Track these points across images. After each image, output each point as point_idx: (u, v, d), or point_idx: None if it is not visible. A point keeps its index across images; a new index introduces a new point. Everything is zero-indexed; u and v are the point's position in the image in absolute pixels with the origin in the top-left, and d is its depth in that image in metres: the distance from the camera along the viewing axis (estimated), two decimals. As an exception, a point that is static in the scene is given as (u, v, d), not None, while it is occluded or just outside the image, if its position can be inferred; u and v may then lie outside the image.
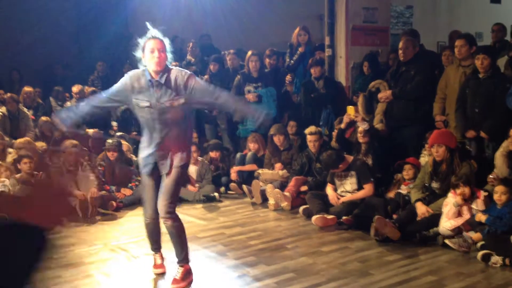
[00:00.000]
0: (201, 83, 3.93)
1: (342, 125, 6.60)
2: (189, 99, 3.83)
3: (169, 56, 3.88)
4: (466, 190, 4.82)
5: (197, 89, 3.82)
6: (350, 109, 6.56)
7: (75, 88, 9.31)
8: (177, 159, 3.92)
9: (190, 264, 4.16)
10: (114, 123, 9.02)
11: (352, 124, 6.56)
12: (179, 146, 3.92)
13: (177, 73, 3.85)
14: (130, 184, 6.94)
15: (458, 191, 4.87)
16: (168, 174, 3.93)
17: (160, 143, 3.89)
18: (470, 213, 4.82)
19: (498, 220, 4.53)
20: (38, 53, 10.83)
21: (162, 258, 4.42)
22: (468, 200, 4.87)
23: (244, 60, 7.88)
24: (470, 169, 5.16)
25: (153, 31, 3.87)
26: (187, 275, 4.08)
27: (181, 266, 4.09)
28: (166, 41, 3.87)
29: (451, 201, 4.92)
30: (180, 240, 4.06)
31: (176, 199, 4.03)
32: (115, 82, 10.30)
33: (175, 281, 4.04)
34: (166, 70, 3.82)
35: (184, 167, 4.01)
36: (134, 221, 6.15)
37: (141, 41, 3.85)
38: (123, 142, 7.52)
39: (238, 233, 5.47)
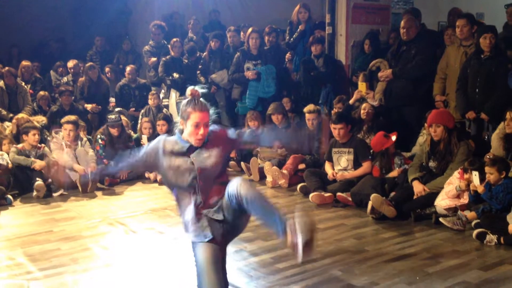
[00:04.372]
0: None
1: (351, 101, 6.62)
2: (234, 145, 3.50)
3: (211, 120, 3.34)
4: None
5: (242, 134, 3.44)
6: (362, 86, 6.58)
7: (70, 63, 9.31)
8: None
9: None
10: (112, 99, 9.02)
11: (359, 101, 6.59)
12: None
13: (216, 132, 3.40)
14: (128, 160, 6.96)
15: (466, 175, 4.86)
16: None
17: (205, 199, 3.19)
18: (468, 199, 4.84)
19: (494, 198, 4.58)
20: (37, 29, 10.77)
21: None
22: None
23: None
24: (467, 149, 5.18)
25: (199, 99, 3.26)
26: None
27: None
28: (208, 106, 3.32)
29: (455, 182, 4.93)
30: None
31: None
32: (113, 57, 10.12)
33: None
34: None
35: None
36: (132, 196, 6.21)
37: (184, 105, 3.25)
38: (123, 117, 7.53)
39: (235, 209, 5.51)
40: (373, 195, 5.07)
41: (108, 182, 6.59)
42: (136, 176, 6.90)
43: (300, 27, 7.76)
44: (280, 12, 9.76)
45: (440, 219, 4.77)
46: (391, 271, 3.85)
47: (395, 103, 6.37)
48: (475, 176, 4.74)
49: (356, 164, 5.92)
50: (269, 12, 10.19)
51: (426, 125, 5.69)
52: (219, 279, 3.03)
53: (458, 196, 4.92)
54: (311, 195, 5.70)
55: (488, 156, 5.06)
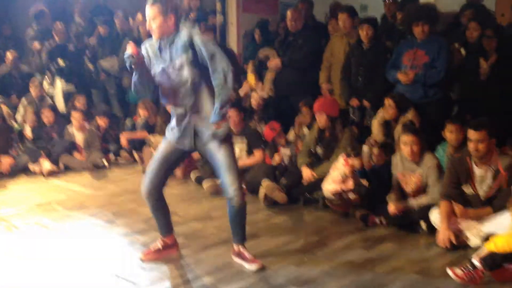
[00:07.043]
0: (204, 41, 3.47)
1: (242, 94, 6.66)
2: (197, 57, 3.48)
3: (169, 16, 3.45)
4: (357, 162, 5.05)
5: (200, 47, 3.45)
6: (251, 77, 6.65)
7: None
8: (220, 129, 3.55)
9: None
10: (-8, 87, 8.40)
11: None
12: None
13: (187, 31, 3.50)
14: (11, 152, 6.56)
15: (350, 161, 5.09)
16: (215, 148, 3.60)
17: (190, 111, 3.57)
18: (354, 183, 5.08)
19: (375, 173, 4.92)
20: None
21: (166, 244, 3.97)
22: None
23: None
24: (351, 135, 5.44)
25: None
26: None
27: (243, 246, 3.83)
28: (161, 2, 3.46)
29: (340, 168, 5.13)
30: (244, 220, 3.76)
31: (239, 174, 3.72)
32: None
33: (249, 260, 3.77)
34: (175, 31, 3.49)
35: (229, 138, 3.68)
36: (15, 190, 5.88)
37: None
38: (3, 106, 7.06)
39: (127, 200, 5.40)
40: (265, 182, 5.19)
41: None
42: (19, 169, 6.52)
43: (191, 14, 7.71)
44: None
45: (327, 202, 5.00)
46: (281, 254, 3.99)
47: (284, 92, 6.53)
48: (366, 152, 5.03)
49: (250, 153, 6.01)
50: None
51: (300, 114, 5.87)
52: (156, 170, 3.73)
53: (344, 181, 5.16)
54: (204, 184, 5.72)
55: (370, 141, 5.37)
